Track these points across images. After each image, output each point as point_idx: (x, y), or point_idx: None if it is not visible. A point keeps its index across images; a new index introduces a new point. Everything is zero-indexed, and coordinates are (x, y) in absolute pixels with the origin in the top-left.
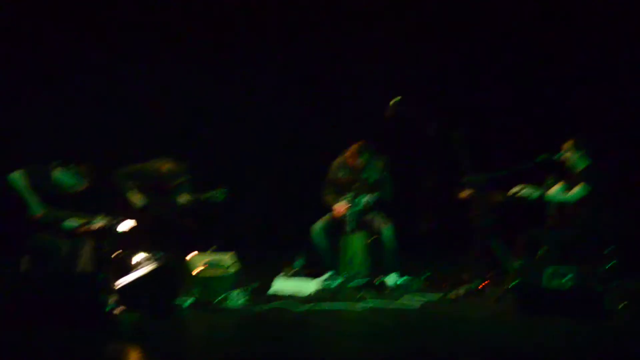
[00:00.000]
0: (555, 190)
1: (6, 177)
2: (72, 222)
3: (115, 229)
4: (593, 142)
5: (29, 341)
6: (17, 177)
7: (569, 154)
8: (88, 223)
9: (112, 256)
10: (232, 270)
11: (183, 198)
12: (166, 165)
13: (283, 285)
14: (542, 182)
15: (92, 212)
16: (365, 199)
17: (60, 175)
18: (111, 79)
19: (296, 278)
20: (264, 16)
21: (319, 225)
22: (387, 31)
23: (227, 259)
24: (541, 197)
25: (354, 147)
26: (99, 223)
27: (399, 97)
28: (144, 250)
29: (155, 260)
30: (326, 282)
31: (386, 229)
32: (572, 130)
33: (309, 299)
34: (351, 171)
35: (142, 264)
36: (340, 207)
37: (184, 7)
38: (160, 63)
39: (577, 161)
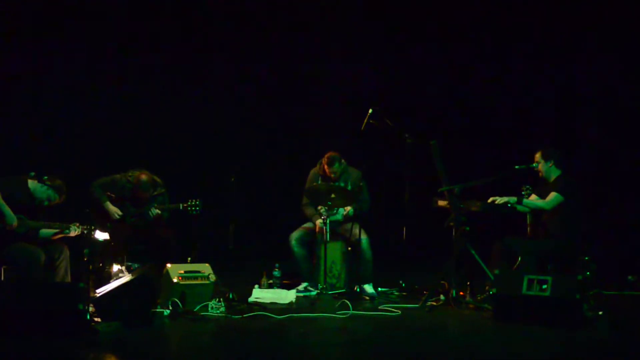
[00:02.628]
0: (530, 200)
1: None
2: (48, 231)
3: (92, 237)
4: (560, 153)
5: (8, 351)
6: None
7: (541, 164)
8: (64, 232)
9: (91, 266)
10: (210, 279)
11: (159, 209)
12: (142, 176)
13: (261, 294)
14: (517, 192)
15: (68, 221)
16: (344, 210)
17: (35, 187)
18: (88, 88)
19: (273, 288)
20: (245, 20)
21: (296, 234)
22: (364, 38)
23: (204, 269)
24: (517, 202)
25: (327, 156)
26: (74, 231)
27: (372, 109)
28: (122, 261)
29: (133, 270)
30: (303, 292)
31: (363, 239)
32: (546, 141)
33: (288, 307)
34: (327, 181)
35: (120, 274)
36: (319, 225)
37: (161, 14)
38: (137, 72)
39: (549, 171)
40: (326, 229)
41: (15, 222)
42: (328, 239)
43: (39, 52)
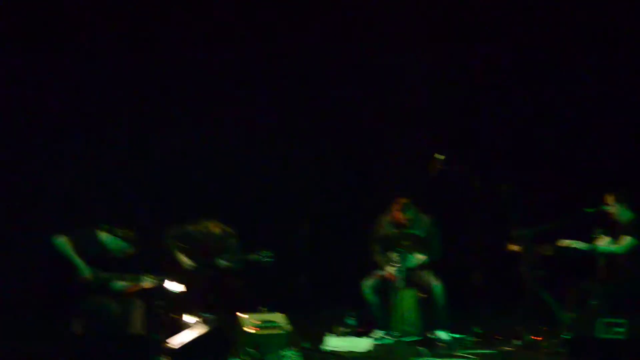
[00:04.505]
0: (603, 243)
1: (52, 241)
2: (121, 284)
3: (164, 289)
4: (632, 195)
5: None
6: (62, 241)
7: (613, 207)
8: (137, 283)
9: (165, 318)
10: (285, 329)
11: (230, 259)
12: (214, 227)
13: (336, 343)
14: (589, 236)
15: (139, 272)
16: (416, 259)
17: (107, 239)
18: (155, 139)
19: (348, 337)
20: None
21: (369, 282)
22: (431, 82)
23: (279, 318)
24: (590, 250)
25: (399, 203)
26: (147, 283)
27: (442, 155)
28: (195, 312)
29: (207, 321)
30: (379, 340)
31: (436, 286)
32: (618, 183)
33: (365, 355)
34: (398, 227)
35: (193, 325)
36: (392, 273)
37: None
38: (206, 124)
39: (622, 214)
40: (400, 276)
41: (88, 275)
42: (402, 285)
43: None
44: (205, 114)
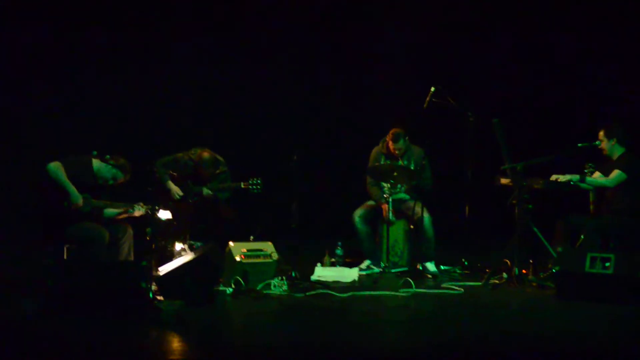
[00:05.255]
0: (594, 177)
1: (45, 167)
2: (112, 211)
3: (155, 217)
4: (624, 130)
5: (73, 329)
6: (55, 167)
7: (604, 142)
8: (128, 211)
9: (153, 245)
10: (273, 258)
11: (221, 187)
12: (204, 154)
13: (324, 273)
14: (580, 170)
15: (131, 201)
16: (405, 189)
17: (99, 166)
18: (151, 69)
19: (336, 266)
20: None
21: (359, 212)
22: (424, 20)
23: (267, 247)
24: (580, 180)
25: (392, 132)
26: (139, 211)
27: (435, 87)
28: (184, 239)
29: (196, 249)
30: (366, 270)
31: (425, 217)
32: (609, 119)
33: (351, 285)
34: (390, 158)
35: (182, 253)
36: (385, 208)
37: None
38: (200, 53)
39: (613, 149)
40: (389, 207)
41: (80, 201)
42: (392, 217)
43: (99, 33)
44: (197, 46)
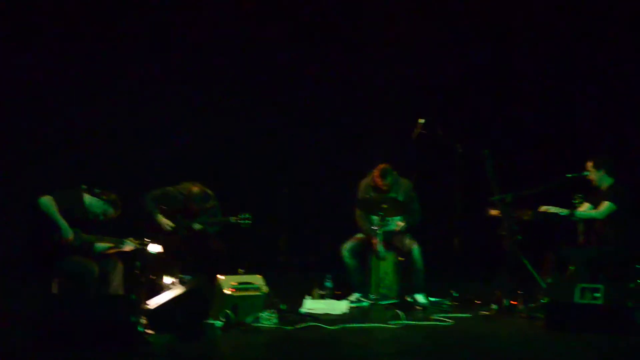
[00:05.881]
0: (583, 209)
1: (37, 201)
2: (102, 245)
3: (145, 251)
4: (612, 161)
5: None
6: (47, 201)
7: (593, 173)
8: (118, 246)
9: (143, 279)
10: (262, 291)
11: (207, 222)
12: (194, 189)
13: (313, 305)
14: (569, 202)
15: (121, 235)
16: (395, 224)
17: (90, 201)
18: (140, 105)
19: (325, 299)
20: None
21: (347, 245)
22: (412, 48)
23: (256, 280)
24: (569, 215)
25: (379, 169)
26: (129, 246)
27: (424, 119)
28: (174, 273)
29: (185, 282)
30: (356, 302)
31: (415, 249)
32: (597, 150)
33: (341, 318)
34: (378, 192)
35: (172, 286)
36: (375, 242)
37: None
38: (189, 85)
39: (601, 179)
40: (379, 240)
41: (71, 236)
42: (381, 249)
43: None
44: (187, 78)
